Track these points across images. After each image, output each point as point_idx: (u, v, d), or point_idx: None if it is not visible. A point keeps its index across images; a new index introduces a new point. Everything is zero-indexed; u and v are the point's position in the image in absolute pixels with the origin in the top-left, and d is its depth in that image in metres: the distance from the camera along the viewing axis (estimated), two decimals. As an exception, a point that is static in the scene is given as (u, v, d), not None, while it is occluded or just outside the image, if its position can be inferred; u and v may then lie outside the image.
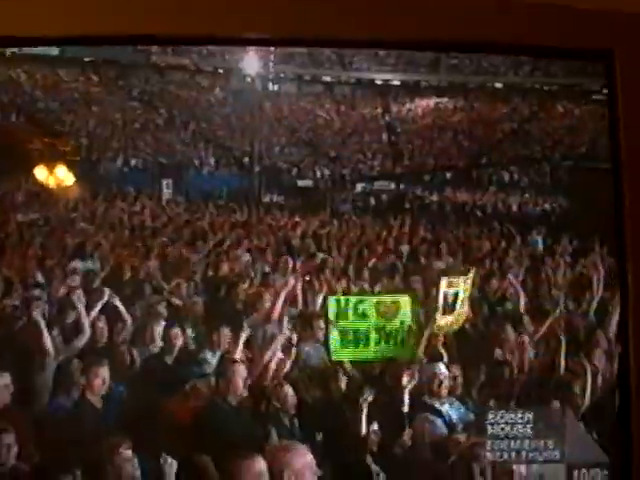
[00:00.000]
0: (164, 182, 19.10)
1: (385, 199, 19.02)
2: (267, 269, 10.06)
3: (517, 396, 6.08)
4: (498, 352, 6.66)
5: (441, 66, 22.56)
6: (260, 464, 3.88)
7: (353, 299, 6.73)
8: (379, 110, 23.11)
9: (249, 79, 18.78)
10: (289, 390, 5.52)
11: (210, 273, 9.90)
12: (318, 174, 21.03)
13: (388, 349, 6.55)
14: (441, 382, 5.67)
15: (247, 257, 10.91)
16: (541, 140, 21.66)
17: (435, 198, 19.04)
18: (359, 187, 20.10)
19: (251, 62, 18.28)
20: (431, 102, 23.16)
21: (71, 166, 16.04)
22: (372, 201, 18.96)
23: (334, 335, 6.53)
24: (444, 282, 7.28)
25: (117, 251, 10.84)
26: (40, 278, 8.95)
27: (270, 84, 21.29)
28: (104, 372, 5.46)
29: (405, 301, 6.74)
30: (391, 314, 6.58)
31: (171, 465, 4.36)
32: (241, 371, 5.35)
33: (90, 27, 2.60)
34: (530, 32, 2.71)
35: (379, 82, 22.99)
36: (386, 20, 2.72)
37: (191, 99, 24.02)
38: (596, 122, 21.32)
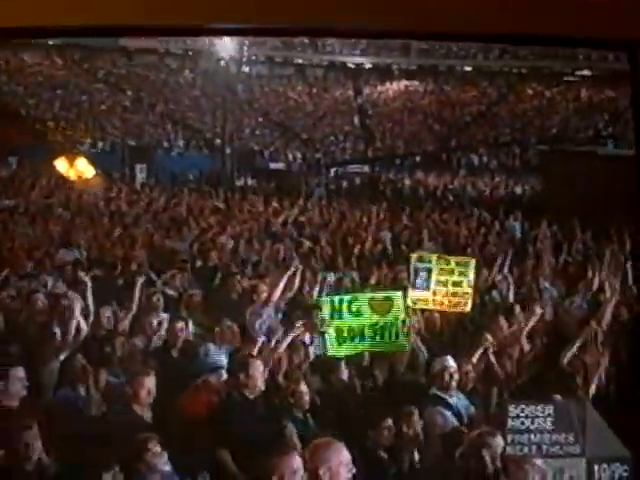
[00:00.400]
0: (138, 167, 18.93)
1: (359, 183, 19.07)
2: (255, 258, 10.04)
3: (515, 388, 6.16)
4: (493, 343, 6.72)
5: (412, 49, 22.66)
6: (296, 460, 3.92)
7: (346, 298, 6.78)
8: (351, 93, 23.20)
9: (223, 62, 18.65)
10: (304, 387, 5.58)
11: (199, 263, 9.84)
12: (290, 157, 21.03)
13: (383, 343, 6.64)
14: (451, 375, 5.77)
15: (231, 244, 10.84)
16: (510, 122, 21.93)
17: (408, 182, 19.10)
18: (332, 171, 20.16)
19: (225, 45, 18.11)
20: (402, 85, 23.28)
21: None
22: (345, 184, 18.98)
23: (330, 333, 6.59)
24: (414, 256, 7.44)
25: (101, 240, 10.76)
26: (31, 269, 8.88)
27: (243, 66, 21.20)
28: (150, 382, 5.22)
29: (398, 296, 6.81)
30: (385, 310, 6.66)
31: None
32: (259, 366, 5.41)
33: (60, 17, 2.59)
34: (553, 22, 2.73)
35: (351, 65, 23.11)
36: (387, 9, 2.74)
37: (159, 81, 23.78)
38: (567, 104, 21.70)
